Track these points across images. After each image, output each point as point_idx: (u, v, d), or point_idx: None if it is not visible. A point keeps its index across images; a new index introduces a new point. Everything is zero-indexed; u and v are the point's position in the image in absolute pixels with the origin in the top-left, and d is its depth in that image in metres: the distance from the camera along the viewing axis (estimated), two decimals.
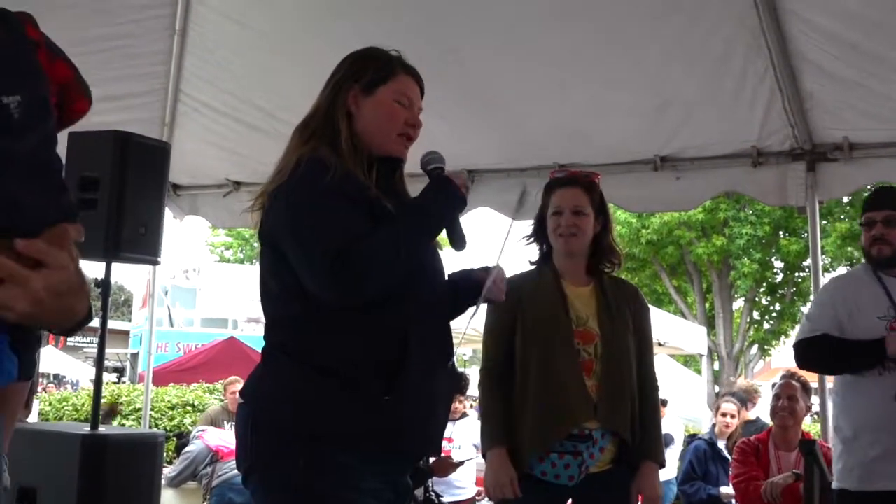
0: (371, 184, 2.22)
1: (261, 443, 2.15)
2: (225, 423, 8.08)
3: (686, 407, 11.88)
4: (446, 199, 2.25)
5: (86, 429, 4.27)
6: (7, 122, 1.18)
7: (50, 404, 10.99)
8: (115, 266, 4.40)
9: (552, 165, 5.34)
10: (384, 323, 2.14)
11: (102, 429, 4.39)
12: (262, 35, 5.33)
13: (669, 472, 8.56)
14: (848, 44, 4.36)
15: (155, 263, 4.53)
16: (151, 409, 9.75)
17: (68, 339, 27.53)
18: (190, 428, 9.00)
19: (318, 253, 2.06)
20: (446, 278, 2.40)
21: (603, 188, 5.37)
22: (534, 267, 3.36)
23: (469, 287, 2.40)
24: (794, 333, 20.94)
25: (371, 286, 2.08)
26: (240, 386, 8.28)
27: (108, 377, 18.85)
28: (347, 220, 2.12)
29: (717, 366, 21.72)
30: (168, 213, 6.55)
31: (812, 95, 4.64)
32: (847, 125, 4.72)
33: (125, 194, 4.20)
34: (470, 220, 2.35)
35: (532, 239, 3.36)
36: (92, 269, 4.41)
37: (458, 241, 2.28)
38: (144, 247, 4.34)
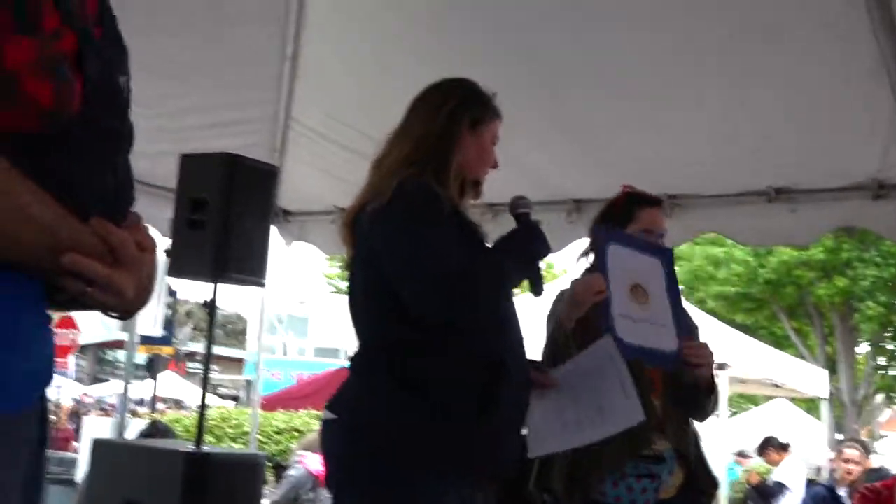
0: (465, 213, 2.40)
1: (358, 461, 2.20)
2: None
3: (806, 452, 11.44)
4: (539, 244, 2.40)
5: (190, 446, 4.34)
6: (124, 102, 1.20)
7: None
8: (232, 295, 4.48)
9: (661, 195, 5.23)
10: (478, 348, 2.22)
11: (206, 448, 4.45)
12: (369, 61, 5.40)
13: None
14: None
15: (261, 285, 4.59)
16: (259, 433, 9.91)
17: (188, 365, 28.38)
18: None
19: (429, 274, 2.15)
20: None
21: (714, 219, 5.32)
22: None
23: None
24: None
25: (474, 311, 2.21)
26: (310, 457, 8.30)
27: (223, 403, 19.28)
28: (455, 247, 2.23)
29: (838, 412, 20.88)
30: (280, 240, 6.69)
31: None
32: None
33: (232, 216, 4.27)
34: (575, 250, 2.59)
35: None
36: (201, 291, 4.52)
37: (538, 287, 2.40)
38: (251, 268, 4.41)
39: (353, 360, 2.35)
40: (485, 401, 2.18)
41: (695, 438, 3.08)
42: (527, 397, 2.36)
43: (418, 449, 2.16)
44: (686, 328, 3.04)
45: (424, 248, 2.17)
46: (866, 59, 4.30)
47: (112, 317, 1.15)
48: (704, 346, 2.96)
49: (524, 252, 2.36)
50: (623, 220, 3.15)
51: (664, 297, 2.89)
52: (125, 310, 1.13)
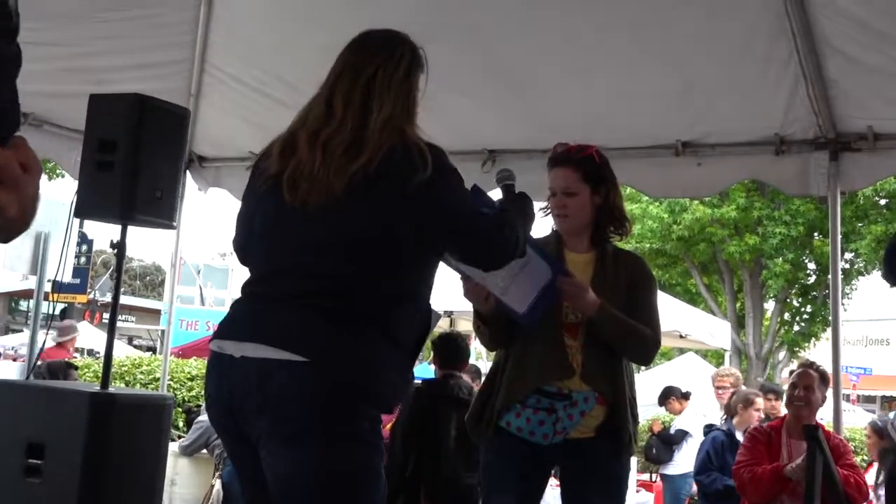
0: None
1: (339, 404, 2.26)
2: None
3: (708, 402, 11.80)
4: (531, 210, 2.79)
5: (96, 387, 4.31)
6: (8, 23, 1.17)
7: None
8: (151, 245, 4.44)
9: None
10: (425, 304, 2.47)
11: (112, 389, 4.42)
12: (287, 7, 5.35)
13: (688, 465, 8.53)
14: (874, 30, 4.29)
15: (170, 227, 4.55)
16: (171, 380, 9.82)
17: (104, 316, 27.90)
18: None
19: (492, 231, 2.43)
20: None
21: (623, 172, 5.40)
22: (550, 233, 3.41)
23: None
24: (825, 336, 20.85)
25: (511, 259, 2.57)
26: None
27: (139, 353, 19.04)
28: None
29: (745, 366, 21.53)
30: (197, 191, 6.62)
31: (836, 83, 4.56)
32: (872, 114, 4.65)
33: (141, 157, 4.20)
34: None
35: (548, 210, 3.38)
36: (109, 232, 4.46)
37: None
38: (160, 211, 4.35)
39: (319, 303, 2.32)
40: (417, 348, 2.45)
41: (622, 384, 3.13)
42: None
43: (385, 391, 2.36)
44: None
45: (478, 212, 2.45)
46: (772, 20, 4.43)
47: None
48: (571, 281, 3.06)
49: (525, 217, 2.69)
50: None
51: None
52: (6, 229, 1.10)
